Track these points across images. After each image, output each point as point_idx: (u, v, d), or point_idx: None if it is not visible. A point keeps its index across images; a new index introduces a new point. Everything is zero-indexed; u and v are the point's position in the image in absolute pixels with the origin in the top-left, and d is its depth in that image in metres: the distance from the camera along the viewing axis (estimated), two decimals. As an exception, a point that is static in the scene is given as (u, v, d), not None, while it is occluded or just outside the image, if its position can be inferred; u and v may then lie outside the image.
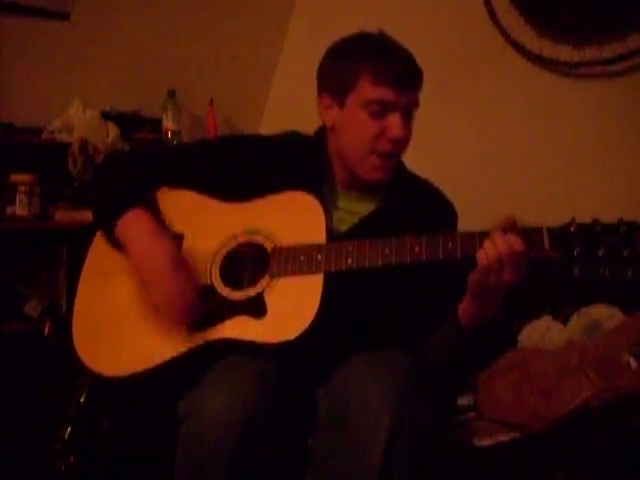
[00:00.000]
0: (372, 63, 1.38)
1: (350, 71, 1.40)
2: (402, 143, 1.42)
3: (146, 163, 1.54)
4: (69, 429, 1.59)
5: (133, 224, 1.41)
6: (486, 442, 1.58)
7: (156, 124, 2.68)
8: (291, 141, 1.55)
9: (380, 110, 1.38)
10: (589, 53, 2.18)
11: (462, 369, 1.66)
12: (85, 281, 1.52)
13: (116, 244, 1.45)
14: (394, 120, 1.39)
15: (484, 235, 1.23)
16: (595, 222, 1.18)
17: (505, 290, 1.27)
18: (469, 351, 1.43)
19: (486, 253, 1.21)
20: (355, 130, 1.42)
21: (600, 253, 1.16)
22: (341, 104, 1.43)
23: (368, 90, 1.38)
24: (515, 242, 1.20)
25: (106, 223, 1.45)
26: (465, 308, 1.33)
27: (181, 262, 1.38)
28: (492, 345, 1.74)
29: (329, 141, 1.50)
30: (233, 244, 1.43)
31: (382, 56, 1.39)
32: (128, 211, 1.42)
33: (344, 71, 1.42)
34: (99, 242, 1.55)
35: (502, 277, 1.21)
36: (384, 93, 1.37)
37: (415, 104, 1.43)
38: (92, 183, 1.62)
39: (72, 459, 1.58)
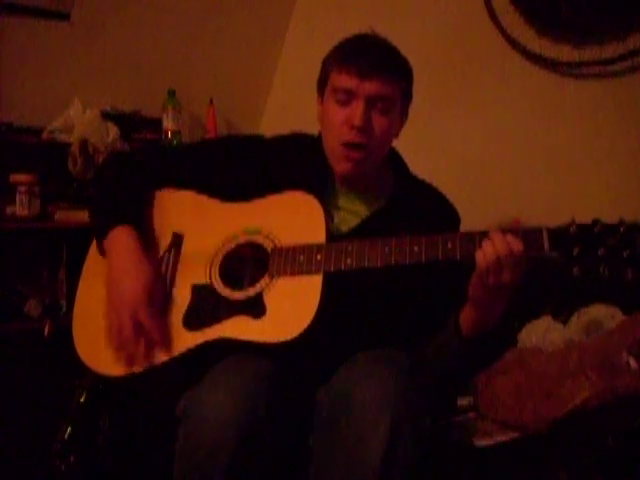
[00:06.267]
0: (339, 54, 1.44)
1: (327, 66, 1.46)
2: (366, 133, 1.40)
3: (147, 166, 1.54)
4: (69, 429, 1.59)
5: (117, 242, 1.41)
6: (486, 442, 1.58)
7: (156, 124, 2.69)
8: (293, 142, 1.56)
9: (345, 98, 1.41)
10: (589, 53, 2.18)
11: (463, 374, 1.66)
12: (85, 281, 1.52)
13: (103, 253, 1.46)
14: (355, 108, 1.40)
15: (484, 236, 1.23)
16: (595, 222, 1.18)
17: (505, 294, 1.26)
18: (471, 358, 1.42)
19: (484, 254, 1.21)
20: (327, 120, 1.45)
21: (600, 253, 1.16)
22: (322, 99, 1.48)
23: (334, 79, 1.43)
24: (514, 243, 1.20)
25: (97, 233, 1.46)
26: (466, 316, 1.32)
27: (154, 294, 1.36)
28: (493, 349, 1.73)
29: None
30: (233, 244, 1.43)
31: (348, 47, 1.44)
32: (117, 227, 1.41)
33: (323, 67, 1.48)
34: (98, 243, 1.55)
35: (501, 278, 1.21)
36: (345, 80, 1.40)
37: (382, 95, 1.40)
38: (93, 187, 1.62)
39: (72, 459, 1.58)
